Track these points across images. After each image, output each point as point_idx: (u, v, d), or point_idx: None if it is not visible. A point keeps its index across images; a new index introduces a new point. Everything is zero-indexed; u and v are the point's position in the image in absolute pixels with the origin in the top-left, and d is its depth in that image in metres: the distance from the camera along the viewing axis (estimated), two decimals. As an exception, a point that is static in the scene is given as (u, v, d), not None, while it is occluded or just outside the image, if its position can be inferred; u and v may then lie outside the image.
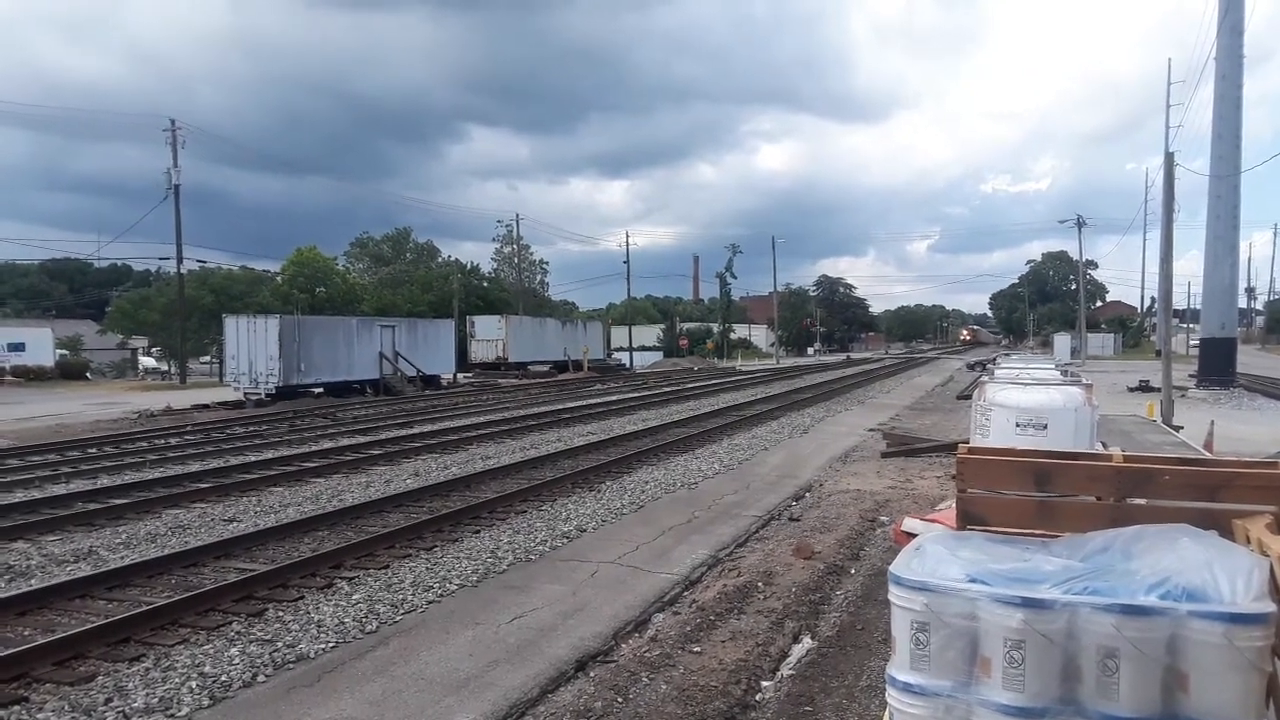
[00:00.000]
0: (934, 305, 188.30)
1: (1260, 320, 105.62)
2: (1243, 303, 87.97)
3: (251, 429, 21.68)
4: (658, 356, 77.52)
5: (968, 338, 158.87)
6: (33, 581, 8.15)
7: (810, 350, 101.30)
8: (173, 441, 19.24)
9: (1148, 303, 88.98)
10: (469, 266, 73.82)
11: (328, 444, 18.10)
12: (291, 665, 6.04)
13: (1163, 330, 32.38)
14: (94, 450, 17.77)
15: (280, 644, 6.38)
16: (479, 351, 50.33)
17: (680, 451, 16.35)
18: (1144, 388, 30.08)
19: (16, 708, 5.33)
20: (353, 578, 8.06)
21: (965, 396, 26.96)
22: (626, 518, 10.71)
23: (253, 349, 31.05)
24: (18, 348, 50.37)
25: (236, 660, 6.06)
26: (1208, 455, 10.89)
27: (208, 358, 58.61)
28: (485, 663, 6.03)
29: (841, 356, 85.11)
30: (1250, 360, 47.37)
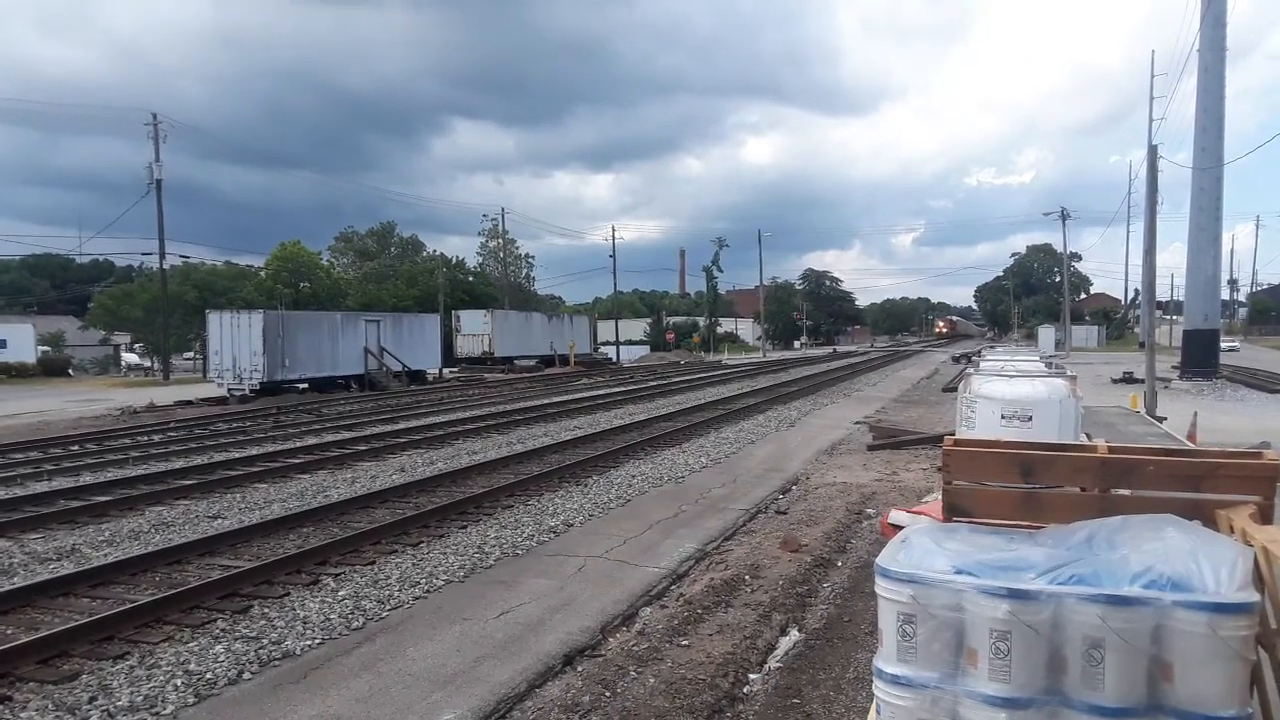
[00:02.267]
0: (919, 298, 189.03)
1: (1243, 312, 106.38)
2: (1226, 295, 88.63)
3: (235, 425, 21.56)
4: (644, 350, 77.50)
5: (944, 329, 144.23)
6: (16, 579, 8.08)
7: (797, 344, 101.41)
8: (156, 438, 19.12)
9: (1131, 295, 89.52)
10: (454, 261, 73.73)
11: (312, 440, 18.02)
12: (278, 662, 6.01)
13: (1146, 322, 32.59)
14: (76, 447, 17.65)
15: (266, 641, 6.35)
16: (465, 346, 50.18)
17: (667, 445, 16.36)
18: (1128, 379, 30.27)
19: (0, 707, 5.29)
20: (339, 574, 8.03)
21: (951, 389, 27.07)
22: (614, 512, 10.71)
23: (236, 345, 30.87)
24: (-1, 345, 49.97)
25: (222, 658, 6.03)
26: (1191, 446, 10.98)
27: (191, 354, 58.32)
28: (473, 658, 6.02)
29: (828, 350, 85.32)
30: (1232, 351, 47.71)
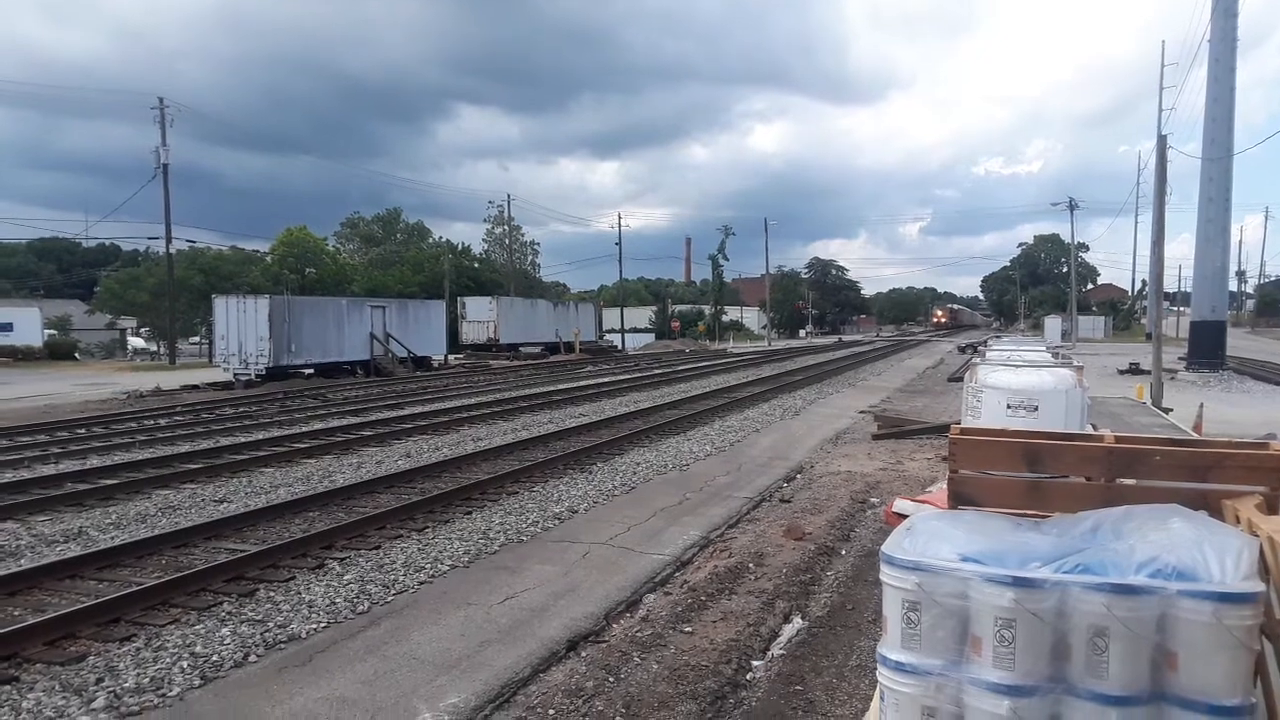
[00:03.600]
0: (925, 288, 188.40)
1: (1250, 303, 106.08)
2: (1233, 286, 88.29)
3: (241, 410, 21.62)
4: (650, 338, 77.49)
5: (943, 319, 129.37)
6: (23, 561, 8.13)
7: (802, 333, 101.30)
8: (162, 422, 19.18)
9: (1139, 285, 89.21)
10: (460, 247, 73.67)
11: (318, 425, 18.06)
12: (283, 645, 6.04)
13: (1153, 313, 32.48)
14: (83, 431, 17.71)
15: (271, 624, 6.39)
16: (470, 333, 50.24)
17: (672, 433, 16.37)
18: (1134, 370, 30.21)
19: (7, 687, 5.32)
20: (344, 558, 8.06)
21: (956, 379, 27.05)
22: (618, 499, 10.73)
23: (242, 329, 30.92)
24: (6, 328, 50.15)
25: (228, 640, 6.06)
26: (1197, 436, 10.96)
27: (197, 338, 58.50)
28: (477, 643, 6.04)
29: (833, 339, 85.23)
30: (1240, 343, 47.61)
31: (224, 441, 15.66)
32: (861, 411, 20.20)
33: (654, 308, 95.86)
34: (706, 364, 39.94)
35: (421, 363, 38.54)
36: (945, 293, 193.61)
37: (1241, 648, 2.35)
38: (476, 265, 71.67)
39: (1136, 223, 77.20)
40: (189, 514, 10.09)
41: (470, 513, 9.90)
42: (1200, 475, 3.15)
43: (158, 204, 44.43)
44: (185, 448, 14.95)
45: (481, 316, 50.04)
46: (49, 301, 69.86)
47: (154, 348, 59.18)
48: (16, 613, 6.71)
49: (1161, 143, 23.78)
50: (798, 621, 6.45)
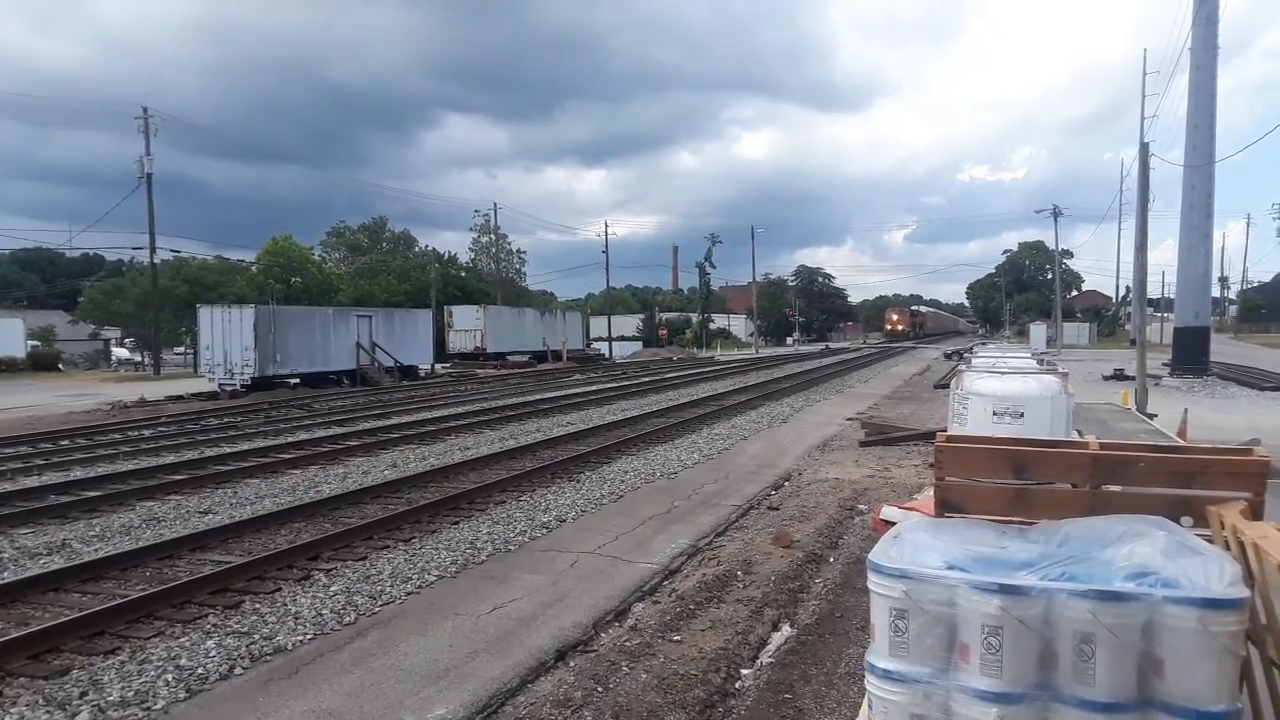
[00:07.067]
0: (912, 295, 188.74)
1: (1234, 309, 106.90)
2: (1216, 292, 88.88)
3: (226, 420, 21.50)
4: (637, 347, 77.43)
5: (900, 326, 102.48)
6: (5, 574, 8.05)
7: (789, 340, 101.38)
8: (146, 433, 19.06)
9: (1123, 292, 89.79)
10: (446, 256, 73.56)
11: (304, 435, 17.99)
12: (269, 657, 6.00)
13: (1137, 319, 32.66)
14: (67, 442, 17.56)
15: (257, 636, 6.34)
16: (457, 342, 50.11)
17: (660, 441, 16.36)
18: (1119, 376, 30.36)
19: (-11, 703, 5.27)
20: (330, 569, 8.01)
21: (942, 385, 27.12)
22: (606, 508, 10.71)
23: (227, 339, 30.73)
24: (-12, 339, 49.68)
25: (213, 653, 6.02)
26: (1182, 443, 11.02)
27: (182, 348, 58.07)
28: (465, 653, 6.01)
29: (820, 346, 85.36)
30: (1223, 349, 47.93)
31: (209, 452, 15.57)
32: (849, 418, 20.23)
33: (641, 316, 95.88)
34: (694, 372, 39.96)
35: (408, 372, 38.42)
36: (931, 299, 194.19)
37: (1228, 653, 2.36)
38: (463, 274, 71.51)
39: (1120, 230, 77.71)
40: (173, 526, 10.02)
41: (458, 523, 9.86)
42: (1184, 481, 3.17)
43: (142, 214, 44.21)
44: (170, 459, 14.84)
45: (468, 325, 49.92)
46: (32, 312, 69.35)
47: (138, 358, 58.79)
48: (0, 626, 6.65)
49: (1144, 150, 23.97)
50: (786, 629, 6.45)
